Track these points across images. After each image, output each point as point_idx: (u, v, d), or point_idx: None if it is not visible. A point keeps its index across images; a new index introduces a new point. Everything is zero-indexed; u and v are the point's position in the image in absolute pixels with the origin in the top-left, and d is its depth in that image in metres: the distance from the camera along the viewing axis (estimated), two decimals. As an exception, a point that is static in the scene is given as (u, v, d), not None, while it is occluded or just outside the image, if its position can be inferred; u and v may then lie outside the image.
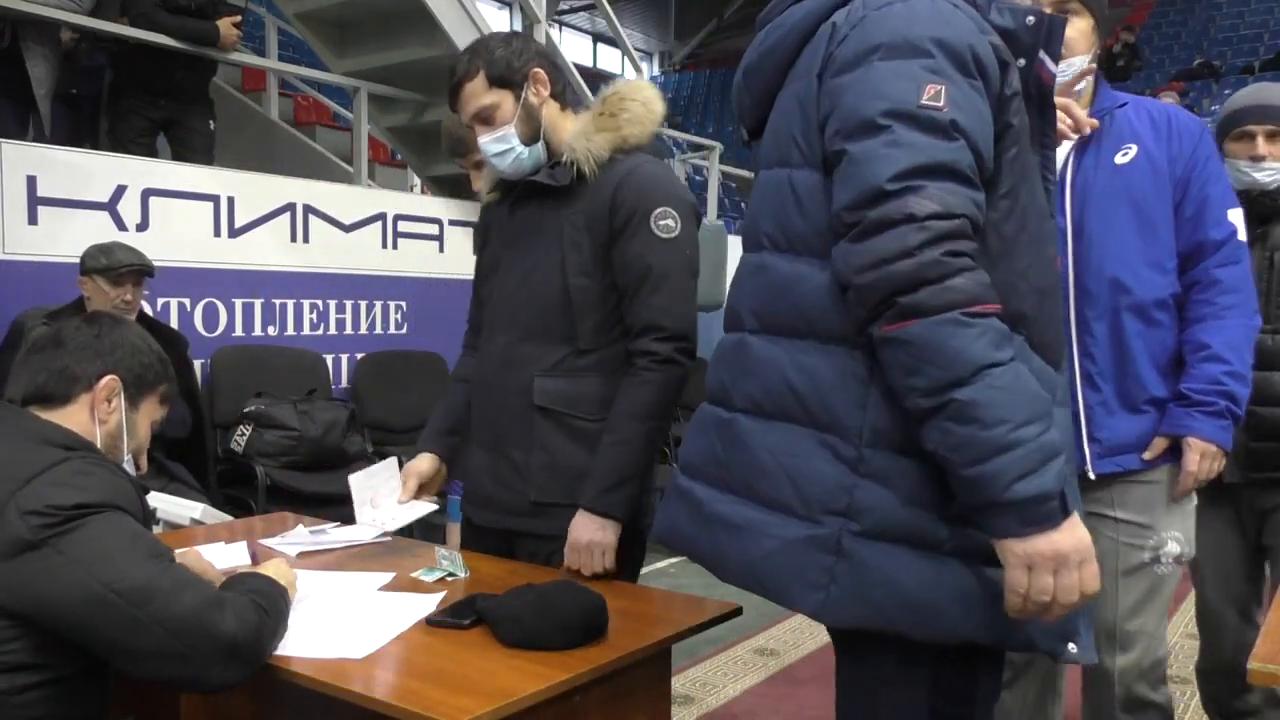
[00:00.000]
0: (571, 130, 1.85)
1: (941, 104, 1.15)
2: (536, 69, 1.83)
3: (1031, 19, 1.26)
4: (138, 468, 1.64)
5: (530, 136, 1.84)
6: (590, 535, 1.75)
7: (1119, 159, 1.86)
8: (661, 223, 1.79)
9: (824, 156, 1.23)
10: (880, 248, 1.12)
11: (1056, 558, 1.13)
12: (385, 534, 1.98)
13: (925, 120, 1.15)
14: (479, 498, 1.94)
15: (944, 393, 1.12)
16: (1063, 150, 1.82)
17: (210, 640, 1.31)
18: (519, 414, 1.85)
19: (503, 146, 1.83)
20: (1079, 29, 1.83)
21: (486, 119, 1.83)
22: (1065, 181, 1.85)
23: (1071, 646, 1.24)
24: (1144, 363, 1.84)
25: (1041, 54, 1.28)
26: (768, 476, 1.27)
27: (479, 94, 1.82)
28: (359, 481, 1.98)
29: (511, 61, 1.81)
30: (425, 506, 1.98)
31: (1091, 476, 1.83)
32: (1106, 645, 1.84)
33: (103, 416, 1.52)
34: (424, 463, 2.01)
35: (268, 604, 1.41)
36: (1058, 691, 2.13)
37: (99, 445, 1.50)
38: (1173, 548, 1.85)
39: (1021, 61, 1.27)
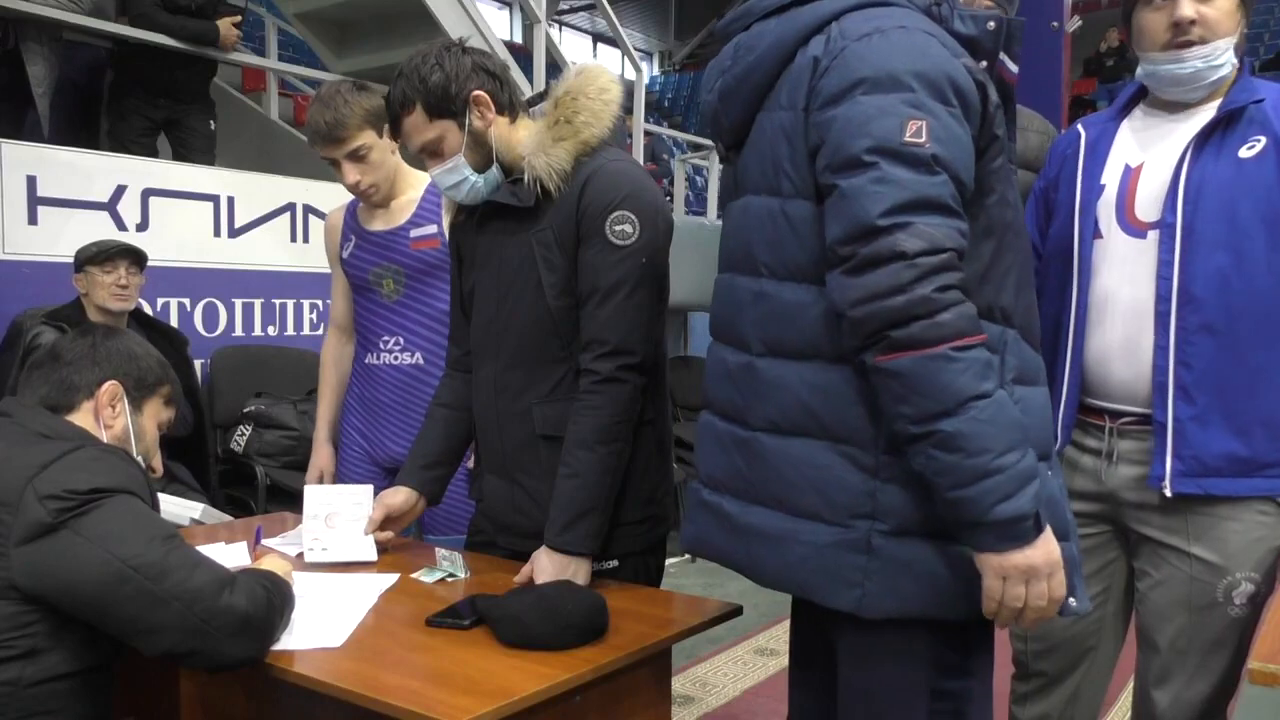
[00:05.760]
0: (526, 142, 1.74)
1: (923, 139, 1.21)
2: (476, 92, 1.73)
3: (991, 24, 1.33)
4: (152, 470, 1.67)
5: (482, 162, 1.77)
6: (557, 576, 1.65)
7: (1243, 152, 1.68)
8: (618, 228, 1.70)
9: (816, 187, 1.29)
10: (873, 283, 1.19)
11: (1029, 570, 1.23)
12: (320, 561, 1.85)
13: (909, 156, 1.20)
14: (500, 523, 1.89)
15: (931, 423, 1.19)
16: (1179, 143, 1.72)
17: (224, 614, 1.36)
18: (525, 442, 1.80)
19: (456, 178, 1.76)
20: (1221, 8, 1.70)
21: (434, 151, 1.76)
22: (1179, 176, 1.69)
23: (1072, 601, 1.31)
24: (1274, 378, 1.66)
25: (1002, 55, 1.35)
26: (795, 489, 1.33)
27: (420, 128, 1.74)
28: (317, 494, 1.89)
29: (448, 88, 1.71)
30: (372, 551, 1.87)
31: (1168, 494, 1.70)
32: (1162, 677, 1.77)
33: (108, 421, 1.56)
34: (398, 496, 1.90)
35: (272, 587, 1.46)
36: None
37: None
38: (1247, 588, 1.71)
39: (984, 64, 1.33)
